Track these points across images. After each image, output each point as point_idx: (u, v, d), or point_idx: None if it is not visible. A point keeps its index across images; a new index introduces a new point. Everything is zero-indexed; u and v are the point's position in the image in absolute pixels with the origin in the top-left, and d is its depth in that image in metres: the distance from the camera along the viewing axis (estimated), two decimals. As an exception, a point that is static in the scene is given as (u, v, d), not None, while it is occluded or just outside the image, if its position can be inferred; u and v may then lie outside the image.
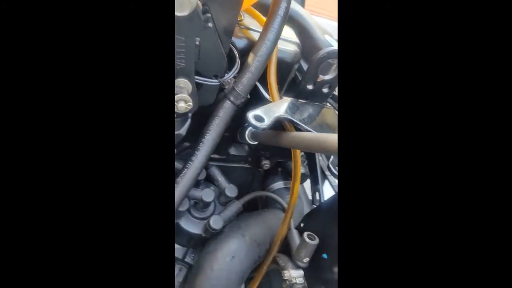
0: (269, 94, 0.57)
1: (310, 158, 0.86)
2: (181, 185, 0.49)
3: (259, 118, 0.47)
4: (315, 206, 0.82)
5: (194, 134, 0.52)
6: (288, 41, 0.62)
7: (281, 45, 0.59)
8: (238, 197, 0.67)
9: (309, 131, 0.49)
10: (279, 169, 0.83)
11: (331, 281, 0.50)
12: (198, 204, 0.64)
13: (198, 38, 0.43)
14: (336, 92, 0.64)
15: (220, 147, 0.70)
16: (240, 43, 0.56)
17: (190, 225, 0.63)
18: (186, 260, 0.67)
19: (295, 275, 0.53)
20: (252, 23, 0.60)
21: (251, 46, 0.54)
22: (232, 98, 0.51)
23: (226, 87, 0.52)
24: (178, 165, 0.60)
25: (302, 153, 0.78)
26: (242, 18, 0.61)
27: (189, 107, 0.44)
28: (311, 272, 0.55)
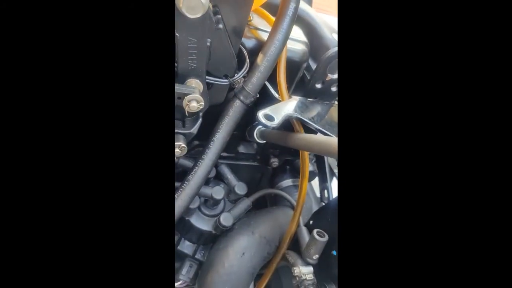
0: (278, 93, 0.58)
1: (318, 156, 0.86)
2: (192, 182, 0.51)
3: (269, 117, 0.48)
4: (323, 203, 0.83)
5: (205, 132, 0.53)
6: (297, 41, 0.63)
7: (289, 44, 0.60)
8: (247, 195, 0.68)
9: (318, 129, 0.50)
10: (288, 167, 0.84)
11: (341, 277, 0.51)
12: (208, 202, 0.65)
13: (209, 39, 0.44)
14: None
15: (230, 145, 0.70)
16: (249, 43, 0.57)
17: (200, 222, 0.64)
18: (196, 256, 0.68)
19: (305, 271, 0.54)
20: (261, 23, 0.61)
21: (260, 46, 0.55)
22: (241, 98, 0.51)
23: (236, 86, 0.53)
24: (188, 163, 0.61)
25: (311, 151, 0.79)
26: (251, 18, 0.61)
27: (201, 107, 0.45)
28: (320, 268, 0.56)
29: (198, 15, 0.36)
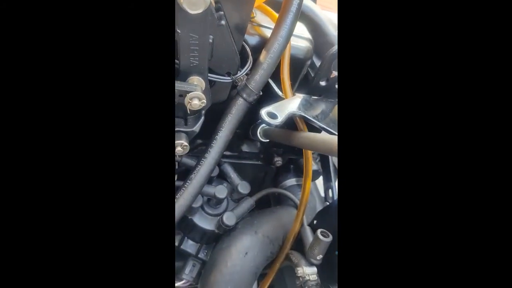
0: (281, 91, 0.57)
1: (323, 155, 0.85)
2: (195, 181, 0.50)
3: (272, 115, 0.47)
4: (328, 203, 0.82)
5: (207, 131, 0.53)
6: (300, 38, 0.62)
7: (293, 41, 0.59)
8: (250, 194, 0.67)
9: (322, 127, 0.49)
10: (291, 166, 0.83)
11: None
12: (211, 201, 0.65)
13: (211, 36, 0.43)
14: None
15: (233, 144, 0.70)
16: (252, 40, 0.56)
17: (203, 221, 0.64)
18: (199, 256, 0.67)
19: (308, 271, 0.54)
20: (264, 20, 0.60)
21: (263, 43, 0.54)
22: (244, 95, 0.51)
23: (239, 84, 0.52)
24: (191, 161, 0.60)
25: (315, 150, 0.78)
26: (254, 15, 0.61)
27: (203, 105, 0.44)
28: (324, 269, 0.55)
29: (200, 11, 0.36)
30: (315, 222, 0.61)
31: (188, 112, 0.46)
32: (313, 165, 0.75)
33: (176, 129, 0.49)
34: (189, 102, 0.43)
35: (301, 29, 0.65)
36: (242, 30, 0.49)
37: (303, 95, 0.58)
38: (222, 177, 0.68)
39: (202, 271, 0.65)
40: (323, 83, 0.58)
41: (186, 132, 0.49)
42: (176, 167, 0.62)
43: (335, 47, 0.53)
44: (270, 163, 0.76)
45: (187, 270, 0.65)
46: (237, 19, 0.47)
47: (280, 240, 0.64)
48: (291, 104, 0.52)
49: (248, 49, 0.54)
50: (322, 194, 0.85)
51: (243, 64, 0.52)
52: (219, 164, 0.68)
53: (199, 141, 0.67)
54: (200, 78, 0.45)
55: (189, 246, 0.67)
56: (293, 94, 0.57)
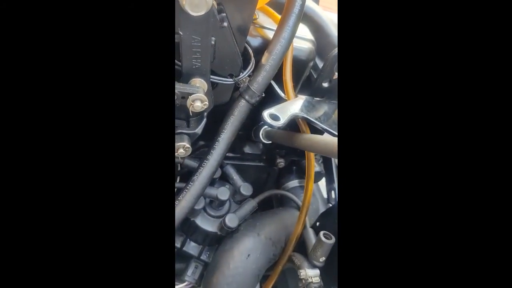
0: (284, 93, 0.57)
1: (325, 157, 0.85)
2: (197, 183, 0.50)
3: (274, 117, 0.47)
4: (330, 205, 0.82)
5: (210, 132, 0.53)
6: (303, 39, 0.62)
7: (295, 43, 0.59)
8: (253, 196, 0.67)
9: (325, 129, 0.49)
10: (294, 167, 0.83)
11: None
12: (214, 203, 0.64)
13: (213, 38, 0.43)
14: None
15: (235, 145, 0.70)
16: (255, 41, 0.56)
17: (205, 223, 0.63)
18: (202, 258, 0.67)
19: (311, 274, 0.53)
20: (266, 22, 0.60)
21: (266, 44, 0.54)
22: (247, 97, 0.51)
23: (241, 86, 0.52)
24: (193, 163, 0.60)
25: (317, 152, 0.77)
26: (257, 16, 0.61)
27: (205, 106, 0.44)
28: (327, 271, 0.55)
29: (202, 13, 0.36)
30: (317, 224, 0.61)
31: (190, 114, 0.46)
32: (315, 166, 0.74)
33: (179, 131, 0.49)
34: (191, 104, 0.43)
35: (303, 30, 0.65)
36: (245, 31, 0.49)
37: (306, 96, 0.58)
38: (224, 178, 0.68)
39: (204, 273, 0.65)
40: (325, 85, 0.58)
41: (188, 134, 0.49)
42: (178, 169, 0.62)
43: (337, 49, 0.53)
44: (272, 164, 0.76)
45: (190, 272, 0.65)
46: (239, 20, 0.47)
47: (283, 242, 0.64)
48: (293, 105, 0.52)
49: (250, 51, 0.54)
50: (325, 196, 0.85)
51: (245, 65, 0.52)
52: (221, 165, 0.68)
53: (202, 142, 0.67)
54: (202, 80, 0.45)
55: (192, 248, 0.67)
56: (296, 96, 0.56)
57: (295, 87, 0.62)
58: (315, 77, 0.62)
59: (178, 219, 0.49)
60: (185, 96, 0.43)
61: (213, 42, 0.43)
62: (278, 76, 0.56)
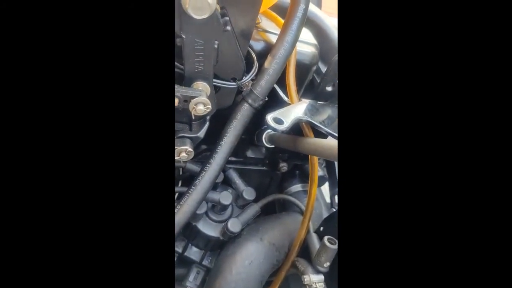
0: (287, 97, 0.57)
1: (328, 161, 0.84)
2: (199, 187, 0.49)
3: (278, 121, 0.46)
4: (334, 209, 0.81)
5: (212, 136, 0.52)
6: (306, 43, 0.61)
7: (299, 47, 0.59)
8: (255, 200, 0.66)
9: (329, 132, 0.48)
10: (297, 171, 0.82)
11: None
12: (216, 207, 0.64)
13: (216, 42, 0.43)
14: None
15: (238, 149, 0.69)
16: (258, 45, 0.56)
17: (208, 228, 0.63)
18: (203, 263, 0.67)
19: (315, 279, 0.52)
20: (270, 26, 0.60)
21: (269, 48, 0.54)
22: (250, 101, 0.50)
23: (244, 89, 0.52)
24: (196, 167, 0.60)
25: (320, 156, 0.77)
26: (260, 21, 0.61)
27: (208, 110, 0.44)
28: (331, 277, 0.54)
29: (205, 16, 0.36)
30: (321, 229, 0.61)
31: (193, 117, 0.46)
32: (319, 171, 0.74)
33: (181, 134, 0.48)
34: (194, 107, 0.43)
35: (307, 34, 0.65)
36: (248, 35, 0.49)
37: (309, 100, 0.57)
38: (227, 183, 0.68)
39: (206, 278, 0.64)
40: (329, 89, 0.57)
41: (190, 138, 0.49)
42: (180, 173, 0.61)
43: (341, 52, 0.52)
44: (275, 169, 0.75)
45: (191, 277, 0.65)
46: (243, 24, 0.47)
47: (286, 247, 0.63)
48: (297, 109, 0.52)
49: (253, 55, 0.54)
50: (328, 200, 0.84)
51: (248, 69, 0.52)
52: (224, 170, 0.67)
53: (204, 146, 0.67)
54: (205, 84, 0.45)
55: (193, 253, 0.66)
56: (299, 100, 0.56)
57: (298, 91, 0.62)
58: (318, 81, 0.61)
59: (180, 224, 0.48)
60: (187, 100, 0.43)
61: (216, 46, 0.43)
62: (282, 80, 0.55)
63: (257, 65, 0.53)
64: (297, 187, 0.80)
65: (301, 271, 0.55)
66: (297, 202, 0.72)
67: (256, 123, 0.59)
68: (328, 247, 0.51)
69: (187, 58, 0.41)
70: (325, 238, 0.52)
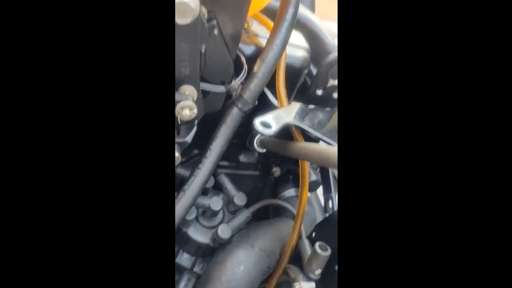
0: (277, 100, 0.56)
1: (322, 165, 0.83)
2: (188, 192, 0.49)
3: (266, 125, 0.46)
4: (327, 214, 0.80)
5: (203, 140, 0.52)
6: (297, 47, 0.61)
7: (290, 50, 0.58)
8: (247, 206, 0.65)
9: (318, 137, 0.48)
10: (291, 176, 0.81)
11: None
12: (206, 213, 0.63)
13: (203, 45, 0.42)
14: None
15: (229, 154, 0.69)
16: (248, 49, 0.56)
17: (198, 234, 0.62)
18: (195, 270, 0.65)
19: (306, 287, 0.51)
20: (260, 30, 0.60)
21: (259, 52, 0.53)
22: (239, 105, 0.50)
23: (234, 93, 0.51)
24: (185, 172, 0.59)
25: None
26: (250, 24, 0.60)
27: (194, 115, 0.43)
28: (323, 284, 0.53)
29: (188, 21, 0.35)
30: (313, 234, 0.59)
31: (179, 122, 0.45)
32: (312, 175, 0.73)
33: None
34: (180, 112, 0.42)
35: (298, 38, 0.65)
36: (237, 39, 0.48)
37: (300, 104, 0.57)
38: (218, 188, 0.67)
39: (196, 285, 0.63)
40: (319, 92, 0.57)
41: (178, 143, 0.48)
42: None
43: (332, 55, 0.52)
44: (268, 173, 0.75)
45: (182, 284, 0.63)
46: (231, 28, 0.46)
47: (278, 254, 0.62)
48: (287, 113, 0.51)
49: (242, 58, 0.53)
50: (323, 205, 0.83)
51: (238, 73, 0.52)
52: (215, 174, 0.67)
53: (195, 151, 0.66)
54: (192, 88, 0.44)
55: (185, 259, 0.65)
56: (289, 103, 0.56)
57: (290, 94, 0.61)
58: (310, 84, 0.61)
59: (168, 230, 0.48)
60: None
61: (203, 50, 0.43)
62: (272, 84, 0.55)
63: (247, 69, 0.52)
64: (290, 192, 0.79)
65: (292, 278, 0.54)
66: (289, 207, 0.71)
67: (248, 127, 0.59)
68: (319, 254, 0.50)
69: (172, 62, 0.41)
70: (316, 244, 0.51)
